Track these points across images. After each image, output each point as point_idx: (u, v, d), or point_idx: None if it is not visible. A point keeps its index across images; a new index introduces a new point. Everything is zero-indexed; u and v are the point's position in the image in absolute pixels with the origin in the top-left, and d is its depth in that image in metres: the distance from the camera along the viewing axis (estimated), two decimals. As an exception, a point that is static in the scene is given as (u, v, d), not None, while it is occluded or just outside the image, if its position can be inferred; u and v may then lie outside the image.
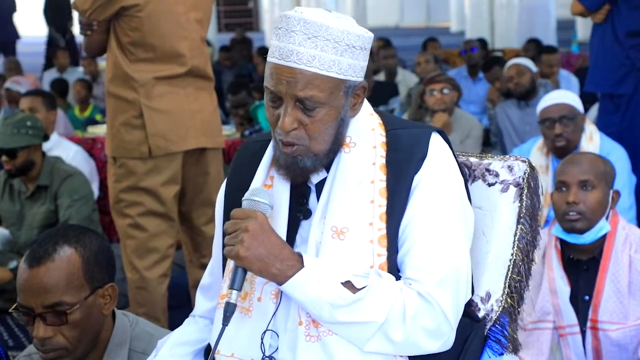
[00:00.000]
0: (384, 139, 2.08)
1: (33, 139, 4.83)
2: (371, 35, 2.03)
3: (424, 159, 2.04)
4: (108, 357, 2.41)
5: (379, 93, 7.68)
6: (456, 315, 2.01)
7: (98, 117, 8.71)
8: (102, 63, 10.04)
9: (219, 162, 4.12)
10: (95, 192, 5.30)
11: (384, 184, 2.03)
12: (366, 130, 2.08)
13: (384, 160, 2.05)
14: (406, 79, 8.58)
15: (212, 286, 2.23)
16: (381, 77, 8.71)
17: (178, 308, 4.23)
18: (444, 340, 1.99)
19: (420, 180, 2.03)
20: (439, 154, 2.07)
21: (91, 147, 5.57)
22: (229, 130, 6.44)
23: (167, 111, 3.89)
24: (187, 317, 2.30)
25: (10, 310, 2.38)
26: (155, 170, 3.91)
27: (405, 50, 13.92)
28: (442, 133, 2.13)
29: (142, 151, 3.88)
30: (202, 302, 2.26)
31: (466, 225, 2.08)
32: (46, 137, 5.00)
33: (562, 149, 4.19)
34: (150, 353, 2.28)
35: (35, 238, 2.42)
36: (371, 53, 8.30)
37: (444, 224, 2.01)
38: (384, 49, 9.15)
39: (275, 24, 2.02)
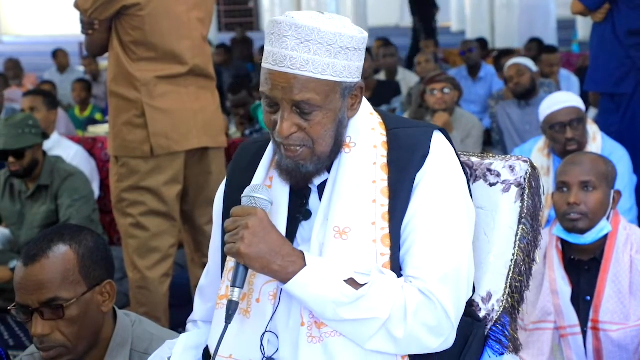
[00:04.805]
0: (384, 139, 2.07)
1: (36, 138, 4.86)
2: (365, 35, 2.01)
3: (426, 157, 2.03)
4: (109, 357, 2.40)
5: (381, 92, 7.65)
6: (457, 313, 2.00)
7: (98, 116, 8.71)
8: (103, 63, 10.05)
9: (221, 162, 4.12)
10: (96, 191, 5.30)
11: (386, 183, 2.02)
12: (366, 130, 2.07)
13: (385, 160, 2.04)
14: (407, 79, 8.56)
15: (209, 288, 2.23)
16: (381, 76, 8.69)
17: (179, 307, 4.22)
18: (445, 338, 1.98)
19: (422, 178, 2.02)
20: (441, 153, 2.06)
21: (91, 146, 5.56)
22: (230, 130, 6.45)
23: (169, 110, 3.89)
24: (188, 316, 2.30)
25: (9, 309, 2.38)
26: (158, 170, 3.91)
27: (406, 50, 13.91)
28: (444, 131, 2.12)
29: (144, 150, 3.88)
30: (200, 305, 2.26)
31: (468, 223, 2.07)
32: (45, 136, 5.02)
33: (574, 152, 4.05)
34: (152, 353, 2.28)
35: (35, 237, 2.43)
36: (371, 53, 8.33)
37: (446, 221, 2.01)
38: (384, 48, 9.12)
39: (267, 29, 2.01)
